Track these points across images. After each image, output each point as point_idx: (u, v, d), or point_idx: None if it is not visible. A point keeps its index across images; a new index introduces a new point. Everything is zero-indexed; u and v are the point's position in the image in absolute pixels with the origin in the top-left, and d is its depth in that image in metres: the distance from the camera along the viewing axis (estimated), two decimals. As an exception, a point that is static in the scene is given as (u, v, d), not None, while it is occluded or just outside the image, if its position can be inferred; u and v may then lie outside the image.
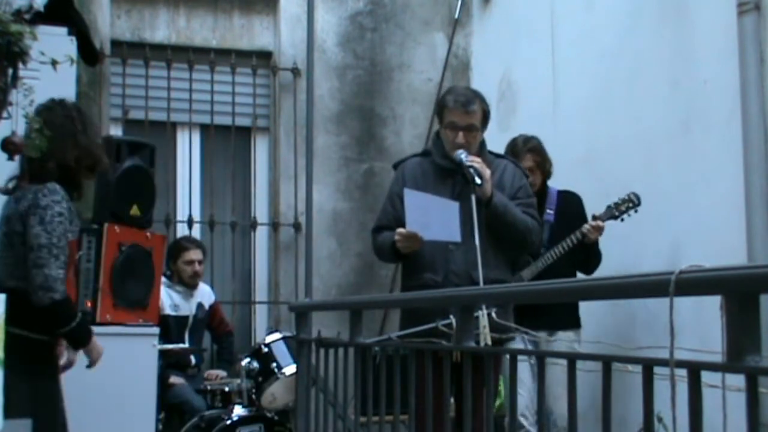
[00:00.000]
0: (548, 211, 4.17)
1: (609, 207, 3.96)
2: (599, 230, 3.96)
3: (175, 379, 4.72)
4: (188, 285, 4.97)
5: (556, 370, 3.71)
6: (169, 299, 4.83)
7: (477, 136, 3.50)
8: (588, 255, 4.05)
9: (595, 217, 3.98)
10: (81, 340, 2.98)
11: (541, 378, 2.00)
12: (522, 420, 3.87)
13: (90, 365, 3.05)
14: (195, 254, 4.97)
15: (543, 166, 4.16)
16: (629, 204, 3.93)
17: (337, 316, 4.61)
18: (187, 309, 4.96)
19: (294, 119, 5.86)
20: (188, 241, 5.07)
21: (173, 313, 4.86)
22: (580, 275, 4.02)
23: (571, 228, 3.99)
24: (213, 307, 5.16)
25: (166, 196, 5.54)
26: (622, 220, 3.95)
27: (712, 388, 1.55)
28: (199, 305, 5.04)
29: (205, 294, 5.12)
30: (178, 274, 4.94)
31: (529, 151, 4.12)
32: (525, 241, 3.53)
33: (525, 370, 3.74)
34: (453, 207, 3.33)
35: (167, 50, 5.79)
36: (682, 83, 4.07)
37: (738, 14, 3.63)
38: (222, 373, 4.99)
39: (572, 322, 4.09)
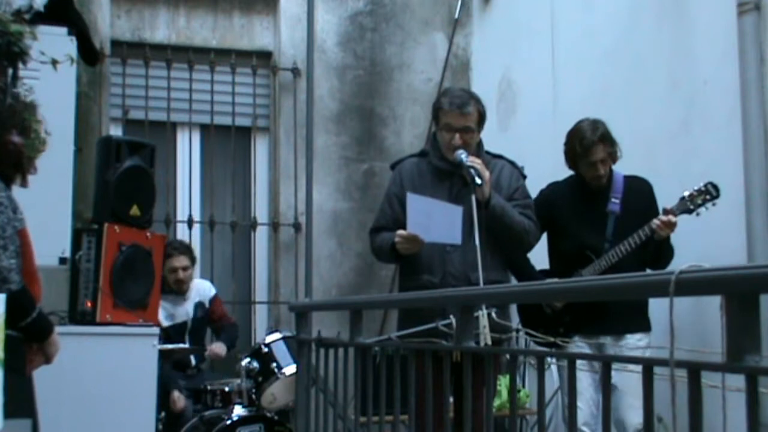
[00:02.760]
0: (613, 200, 3.76)
1: (683, 199, 3.52)
2: (670, 226, 3.52)
3: (179, 399, 4.64)
4: (176, 292, 4.89)
5: (631, 378, 3.63)
6: (163, 310, 4.69)
7: (473, 137, 3.51)
8: (659, 251, 3.60)
9: (666, 211, 3.54)
10: (41, 333, 2.84)
11: (542, 379, 2.00)
12: None
13: (47, 361, 2.90)
14: (178, 261, 4.83)
15: (614, 155, 3.76)
16: (706, 196, 3.50)
17: (337, 316, 4.62)
18: (183, 314, 4.89)
19: (294, 119, 5.86)
20: (173, 248, 4.86)
21: (170, 323, 4.79)
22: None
23: (639, 220, 3.60)
24: (213, 301, 5.04)
25: (166, 196, 5.55)
26: (698, 214, 3.52)
27: (712, 388, 1.55)
28: (197, 305, 4.96)
29: (202, 291, 5.03)
30: (165, 280, 4.79)
31: (600, 141, 3.71)
32: (522, 242, 3.53)
33: (585, 378, 3.54)
34: (456, 211, 3.33)
35: (167, 50, 5.79)
36: (682, 83, 4.07)
37: (738, 14, 3.63)
38: (222, 347, 4.86)
39: (641, 324, 3.72)
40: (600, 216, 3.76)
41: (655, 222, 3.52)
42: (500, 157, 3.67)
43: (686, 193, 3.52)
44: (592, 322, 3.66)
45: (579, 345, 3.69)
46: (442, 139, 3.51)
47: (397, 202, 3.56)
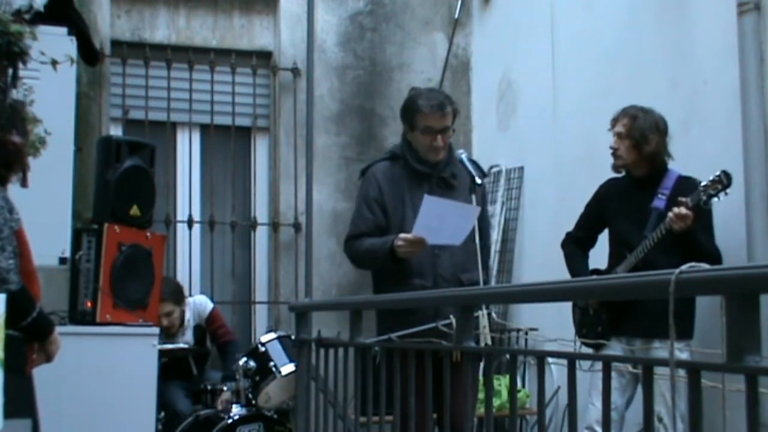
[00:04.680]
0: (660, 195, 3.60)
1: (698, 190, 3.33)
2: (683, 219, 3.31)
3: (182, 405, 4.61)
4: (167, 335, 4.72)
5: (659, 386, 3.53)
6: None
7: (450, 136, 3.50)
8: (692, 246, 3.34)
9: (679, 203, 3.34)
10: (42, 332, 2.85)
11: (542, 378, 2.00)
12: None
13: (48, 360, 2.91)
14: (162, 308, 4.46)
15: (635, 137, 3.60)
16: (718, 185, 3.27)
17: (337, 316, 4.61)
18: (182, 343, 4.79)
19: (294, 119, 5.86)
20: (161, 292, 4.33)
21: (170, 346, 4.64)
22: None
23: None
24: (209, 318, 4.94)
25: (166, 196, 5.54)
26: (710, 205, 3.33)
27: (712, 388, 1.55)
28: (195, 330, 4.88)
29: (199, 311, 4.93)
30: None
31: (626, 116, 3.64)
32: None
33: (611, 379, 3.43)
34: (472, 211, 3.29)
35: (167, 50, 5.78)
36: (682, 83, 4.07)
37: (738, 14, 3.63)
38: (227, 395, 4.60)
39: (679, 330, 3.43)
40: (644, 212, 3.63)
41: (669, 214, 3.38)
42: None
43: (702, 184, 3.34)
44: (626, 323, 3.61)
45: (611, 346, 3.62)
46: (422, 141, 3.45)
47: (377, 206, 3.48)
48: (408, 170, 3.49)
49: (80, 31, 3.94)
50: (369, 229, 3.49)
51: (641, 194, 3.67)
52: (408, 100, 3.58)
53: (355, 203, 3.66)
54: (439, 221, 3.25)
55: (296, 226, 5.81)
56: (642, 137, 3.61)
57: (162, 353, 4.15)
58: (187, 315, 4.89)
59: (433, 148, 3.42)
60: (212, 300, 5.26)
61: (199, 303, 5.01)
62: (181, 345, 4.77)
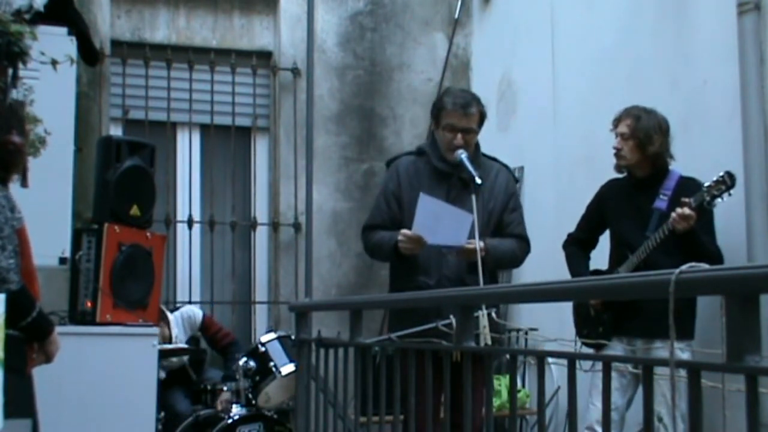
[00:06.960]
0: (662, 196, 3.59)
1: (701, 190, 3.33)
2: (686, 219, 3.32)
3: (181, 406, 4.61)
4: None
5: (660, 386, 3.52)
6: None
7: (474, 138, 3.51)
8: (694, 247, 3.35)
9: (683, 203, 3.34)
10: (41, 332, 2.85)
11: (542, 378, 2.00)
12: None
13: (48, 360, 2.91)
14: None
15: (639, 137, 3.59)
16: (722, 186, 3.28)
17: (337, 316, 4.61)
18: (174, 360, 4.69)
19: (294, 119, 5.86)
20: None
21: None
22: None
23: None
24: (203, 326, 4.91)
25: (166, 196, 5.54)
26: (714, 206, 3.33)
27: (712, 388, 1.55)
28: (189, 342, 4.82)
29: (192, 322, 4.88)
30: None
31: (629, 117, 3.64)
32: (513, 266, 3.87)
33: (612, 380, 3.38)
34: (466, 219, 3.30)
35: (167, 50, 5.78)
36: (682, 83, 4.07)
37: (738, 14, 3.63)
38: (227, 395, 4.56)
39: (679, 330, 3.35)
40: (645, 213, 3.63)
41: (672, 215, 3.37)
42: (495, 159, 3.66)
43: (706, 184, 3.34)
44: (627, 323, 3.60)
45: (612, 346, 3.61)
46: (443, 139, 3.49)
47: (394, 200, 3.54)
48: (430, 167, 3.53)
49: (80, 31, 3.94)
50: (383, 221, 3.56)
51: (643, 195, 3.67)
52: (438, 97, 3.69)
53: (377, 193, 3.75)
54: (436, 221, 3.28)
55: (296, 226, 5.81)
56: (646, 137, 3.61)
57: (162, 353, 4.15)
58: (174, 332, 4.75)
59: (453, 146, 3.44)
60: (212, 301, 5.25)
61: (187, 316, 4.92)
62: (181, 345, 4.76)
